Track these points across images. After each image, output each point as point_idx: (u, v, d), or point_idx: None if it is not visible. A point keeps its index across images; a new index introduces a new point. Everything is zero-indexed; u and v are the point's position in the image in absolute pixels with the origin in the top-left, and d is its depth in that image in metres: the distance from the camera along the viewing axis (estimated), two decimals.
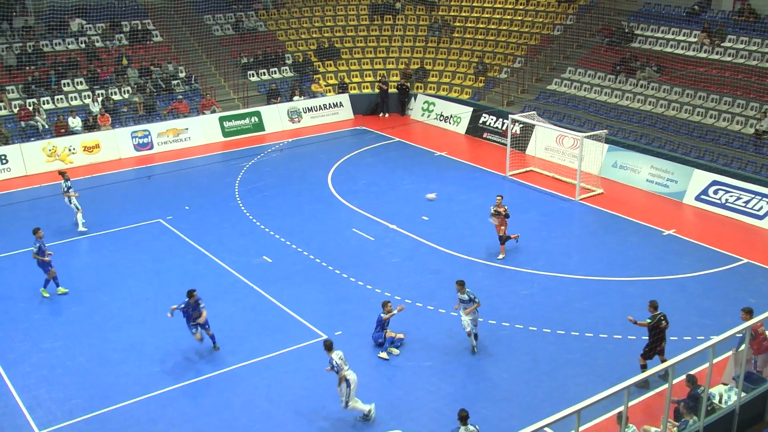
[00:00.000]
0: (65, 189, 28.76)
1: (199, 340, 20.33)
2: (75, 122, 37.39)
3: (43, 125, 37.09)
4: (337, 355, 17.46)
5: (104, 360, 20.31)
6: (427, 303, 22.65)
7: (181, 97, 40.61)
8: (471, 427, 15.33)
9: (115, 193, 32.40)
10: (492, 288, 23.57)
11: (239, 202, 31.06)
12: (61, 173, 29.45)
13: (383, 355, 20.09)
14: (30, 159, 35.21)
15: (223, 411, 18.18)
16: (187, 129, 38.92)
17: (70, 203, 28.82)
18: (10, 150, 35.42)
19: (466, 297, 20.01)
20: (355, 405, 17.47)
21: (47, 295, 23.85)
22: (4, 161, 35.06)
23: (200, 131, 39.24)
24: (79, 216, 28.71)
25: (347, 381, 17.31)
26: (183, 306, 20.03)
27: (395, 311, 20.36)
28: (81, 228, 28.54)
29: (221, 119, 40.02)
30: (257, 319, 22.25)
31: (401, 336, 20.59)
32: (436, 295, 23.01)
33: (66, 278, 24.56)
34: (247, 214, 29.70)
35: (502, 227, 25.43)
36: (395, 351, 20.23)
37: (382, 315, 20.26)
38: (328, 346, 17.67)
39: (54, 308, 23.22)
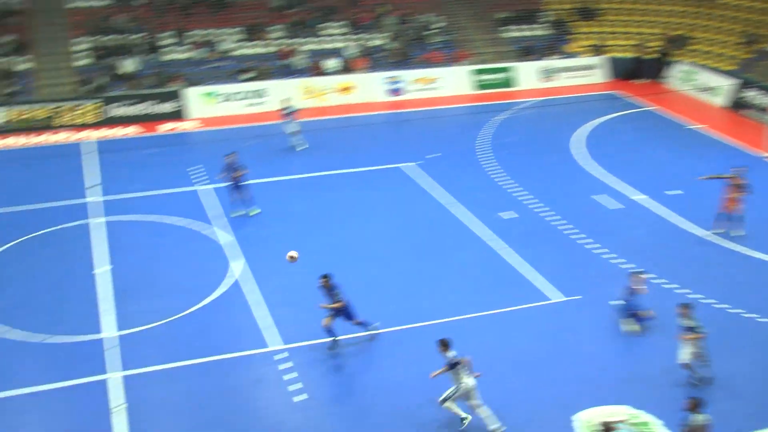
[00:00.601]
0: (286, 113, 31.32)
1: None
2: (331, 64, 38.77)
3: (300, 65, 38.76)
4: (452, 355, 15.90)
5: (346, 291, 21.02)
6: (669, 281, 21.61)
7: (436, 46, 41.00)
8: (701, 417, 14.46)
9: (364, 134, 33.48)
10: (738, 275, 22.06)
11: (485, 155, 31.05)
12: (284, 100, 32.23)
13: (630, 326, 19.30)
14: (287, 95, 36.82)
15: (430, 364, 18.11)
16: (439, 78, 39.35)
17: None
18: (270, 85, 37.34)
19: (690, 324, 17.26)
20: (452, 407, 15.99)
21: (255, 212, 25.68)
22: (262, 95, 36.98)
23: (452, 82, 39.52)
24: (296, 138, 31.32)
25: (460, 384, 15.74)
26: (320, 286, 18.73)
27: (640, 288, 19.37)
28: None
29: (473, 72, 40.05)
30: (490, 274, 22.19)
31: (651, 313, 19.59)
32: (678, 274, 21.88)
33: (311, 211, 26.11)
34: (491, 169, 29.65)
35: (737, 203, 23.60)
36: (635, 327, 19.31)
37: (632, 287, 19.34)
38: (446, 345, 15.81)
39: (300, 237, 24.29)
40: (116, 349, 18.52)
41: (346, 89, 38.14)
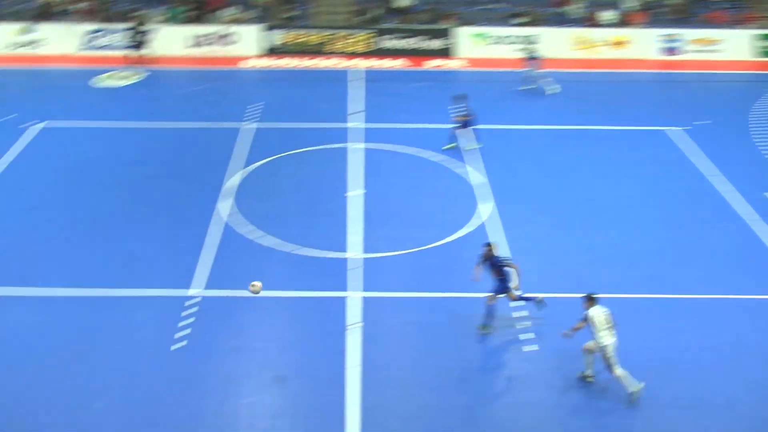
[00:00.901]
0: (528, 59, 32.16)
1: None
2: (608, 16, 37.58)
3: (575, 14, 37.88)
4: (600, 311, 15.02)
5: (584, 247, 20.65)
6: None
7: (722, 5, 38.56)
8: None
9: (631, 92, 32.41)
10: None
11: (759, 129, 28.89)
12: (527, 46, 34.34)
13: None
14: (557, 45, 36.13)
15: (665, 339, 17.23)
16: (720, 41, 36.96)
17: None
18: (541, 32, 36.73)
19: None
20: (621, 375, 15.06)
21: (449, 147, 26.26)
22: (532, 41, 36.39)
23: (733, 45, 36.97)
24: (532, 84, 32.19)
25: (601, 346, 14.98)
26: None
27: None
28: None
29: (760, 37, 37.25)
30: (745, 256, 20.60)
31: None
32: None
33: (565, 163, 25.73)
34: (764, 144, 27.55)
35: None
36: None
37: None
38: (593, 300, 15.19)
39: (549, 188, 24.04)
40: (359, 270, 19.24)
41: (618, 43, 36.79)
